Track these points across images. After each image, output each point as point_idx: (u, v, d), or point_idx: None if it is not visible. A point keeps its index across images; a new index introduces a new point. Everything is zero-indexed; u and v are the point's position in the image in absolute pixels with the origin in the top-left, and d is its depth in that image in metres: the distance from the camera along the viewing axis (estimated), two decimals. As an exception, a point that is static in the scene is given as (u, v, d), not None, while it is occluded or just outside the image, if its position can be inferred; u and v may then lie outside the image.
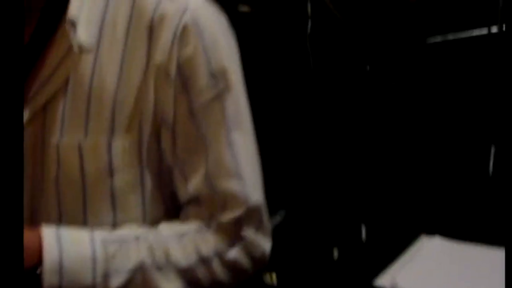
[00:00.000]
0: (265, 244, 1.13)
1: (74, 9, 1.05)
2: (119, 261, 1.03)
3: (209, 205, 1.09)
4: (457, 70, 2.70)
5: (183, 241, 1.07)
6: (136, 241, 1.06)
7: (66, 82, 1.07)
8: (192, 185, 1.09)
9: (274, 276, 1.93)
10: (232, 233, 1.09)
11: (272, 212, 1.16)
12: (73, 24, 1.05)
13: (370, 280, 1.70)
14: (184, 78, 1.07)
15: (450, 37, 2.68)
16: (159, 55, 1.06)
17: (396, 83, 2.53)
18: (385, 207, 2.56)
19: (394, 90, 2.54)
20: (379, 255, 1.94)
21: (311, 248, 2.39)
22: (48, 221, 1.06)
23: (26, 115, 1.05)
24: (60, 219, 1.08)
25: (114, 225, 1.09)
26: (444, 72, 2.72)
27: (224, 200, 1.09)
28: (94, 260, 1.02)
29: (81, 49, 1.07)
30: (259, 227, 1.11)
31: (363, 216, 2.42)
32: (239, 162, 1.09)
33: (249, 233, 1.10)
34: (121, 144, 1.07)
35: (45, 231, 1.02)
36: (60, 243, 1.01)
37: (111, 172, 1.07)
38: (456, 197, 2.61)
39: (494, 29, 2.62)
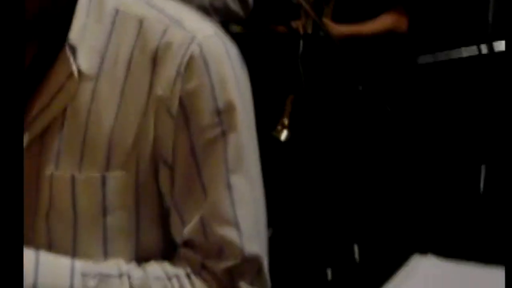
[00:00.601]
0: None
1: (75, 34, 1.00)
2: None
3: (203, 252, 1.02)
4: (448, 90, 2.72)
5: (170, 285, 1.00)
6: (119, 278, 0.99)
7: (64, 110, 1.01)
8: (187, 229, 1.02)
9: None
10: (224, 283, 1.02)
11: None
12: (74, 49, 1.00)
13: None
14: (186, 114, 1.00)
15: (441, 57, 2.70)
16: (161, 88, 0.99)
17: (389, 106, 2.54)
18: (377, 227, 2.57)
19: (386, 111, 2.55)
20: (373, 275, 1.94)
21: (305, 269, 2.39)
22: None
23: (24, 141, 1.00)
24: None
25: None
26: (435, 92, 2.74)
27: (218, 248, 1.01)
28: None
29: (81, 76, 1.00)
30: (255, 279, 1.03)
31: (356, 236, 2.43)
32: (237, 208, 1.01)
33: (242, 285, 1.02)
34: (116, 181, 1.00)
35: (25, 253, 0.96)
36: (37, 269, 0.96)
37: (104, 211, 1.00)
38: (447, 216, 2.62)
39: (484, 49, 2.64)
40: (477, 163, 2.65)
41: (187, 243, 1.03)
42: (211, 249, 1.02)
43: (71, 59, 1.00)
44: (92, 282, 0.98)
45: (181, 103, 0.99)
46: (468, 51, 2.68)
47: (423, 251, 2.01)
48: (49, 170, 1.00)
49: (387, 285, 1.81)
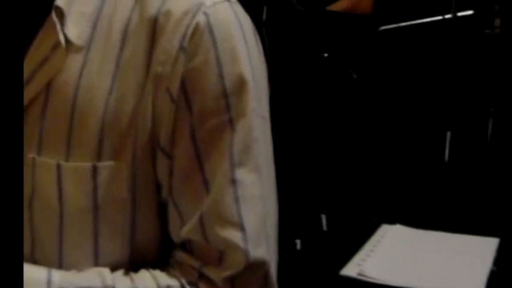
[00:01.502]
0: None
1: None
2: None
3: (202, 256, 0.87)
4: (411, 56, 2.70)
5: None
6: None
7: (49, 85, 0.87)
8: (186, 228, 0.87)
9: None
10: None
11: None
12: (61, 14, 0.85)
13: (336, 270, 1.68)
14: (188, 97, 0.85)
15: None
16: (161, 64, 0.84)
17: (354, 72, 2.51)
18: (343, 197, 2.55)
19: (350, 77, 2.52)
20: (342, 245, 1.92)
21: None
22: None
23: None
24: (33, 249, 0.90)
25: (96, 260, 0.90)
26: (398, 59, 2.71)
27: (219, 253, 0.87)
28: None
29: (69, 46, 0.86)
30: None
31: (323, 207, 2.40)
32: (242, 207, 0.86)
33: None
34: (109, 172, 0.86)
35: None
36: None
37: (95, 204, 0.87)
38: (413, 184, 2.61)
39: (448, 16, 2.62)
40: (442, 129, 2.65)
41: (185, 246, 0.89)
42: (211, 253, 0.87)
43: (58, 27, 0.86)
44: None
45: (183, 83, 0.84)
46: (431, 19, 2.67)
47: (390, 220, 2.01)
48: (31, 153, 0.87)
49: (358, 255, 1.80)
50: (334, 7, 2.76)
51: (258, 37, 0.91)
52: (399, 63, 2.71)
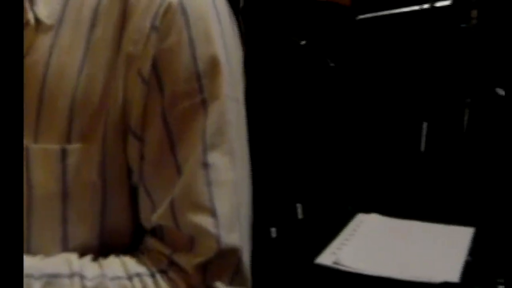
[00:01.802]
0: None
1: None
2: None
3: (172, 242, 0.85)
4: (388, 45, 2.70)
5: (130, 285, 0.84)
6: (69, 279, 0.83)
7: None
8: (157, 214, 0.85)
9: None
10: (196, 283, 0.84)
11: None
12: None
13: (311, 258, 1.67)
14: (159, 78, 0.82)
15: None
16: (132, 43, 0.82)
17: (331, 60, 2.50)
18: (319, 185, 2.54)
19: (327, 66, 2.51)
20: (317, 233, 1.92)
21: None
22: None
23: None
24: None
25: (64, 245, 0.87)
26: (375, 48, 2.71)
27: (190, 239, 0.84)
28: None
29: (39, 25, 0.84)
30: (234, 278, 0.85)
31: (299, 195, 2.39)
32: (214, 191, 0.84)
33: (218, 285, 0.84)
34: (78, 155, 0.84)
35: None
36: None
37: (64, 189, 0.84)
38: (389, 173, 2.61)
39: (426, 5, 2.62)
40: (418, 120, 2.65)
41: (156, 232, 0.87)
42: (181, 239, 0.85)
43: (27, 5, 0.84)
44: (37, 285, 0.82)
45: (154, 64, 0.82)
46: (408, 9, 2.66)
47: (367, 208, 2.00)
48: None
49: (333, 243, 1.79)
50: None
51: (233, 19, 0.89)
52: (376, 52, 2.70)
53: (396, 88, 2.70)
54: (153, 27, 0.82)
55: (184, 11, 0.83)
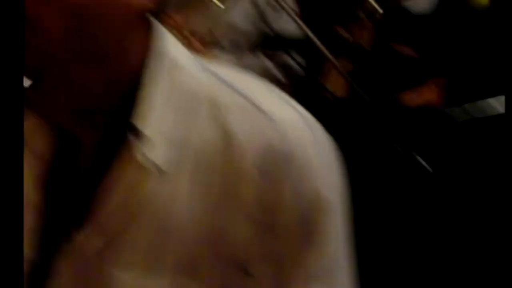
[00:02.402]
0: None
1: (144, 118, 0.80)
2: None
3: None
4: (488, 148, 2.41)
5: None
6: None
7: (140, 209, 0.83)
8: None
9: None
10: None
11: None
12: (141, 135, 0.80)
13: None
14: (265, 214, 0.83)
15: (474, 112, 2.41)
16: (235, 183, 0.82)
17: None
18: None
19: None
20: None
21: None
22: None
23: (99, 242, 0.84)
24: None
25: None
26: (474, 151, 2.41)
27: None
28: None
29: (158, 171, 0.81)
30: None
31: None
32: None
33: None
34: None
35: None
36: None
37: None
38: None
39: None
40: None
41: None
42: None
43: (144, 149, 0.80)
44: None
45: (260, 204, 0.82)
46: (498, 102, 2.39)
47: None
48: (115, 270, 0.83)
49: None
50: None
51: (337, 152, 0.89)
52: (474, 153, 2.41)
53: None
54: (255, 167, 0.82)
55: (286, 151, 0.82)
